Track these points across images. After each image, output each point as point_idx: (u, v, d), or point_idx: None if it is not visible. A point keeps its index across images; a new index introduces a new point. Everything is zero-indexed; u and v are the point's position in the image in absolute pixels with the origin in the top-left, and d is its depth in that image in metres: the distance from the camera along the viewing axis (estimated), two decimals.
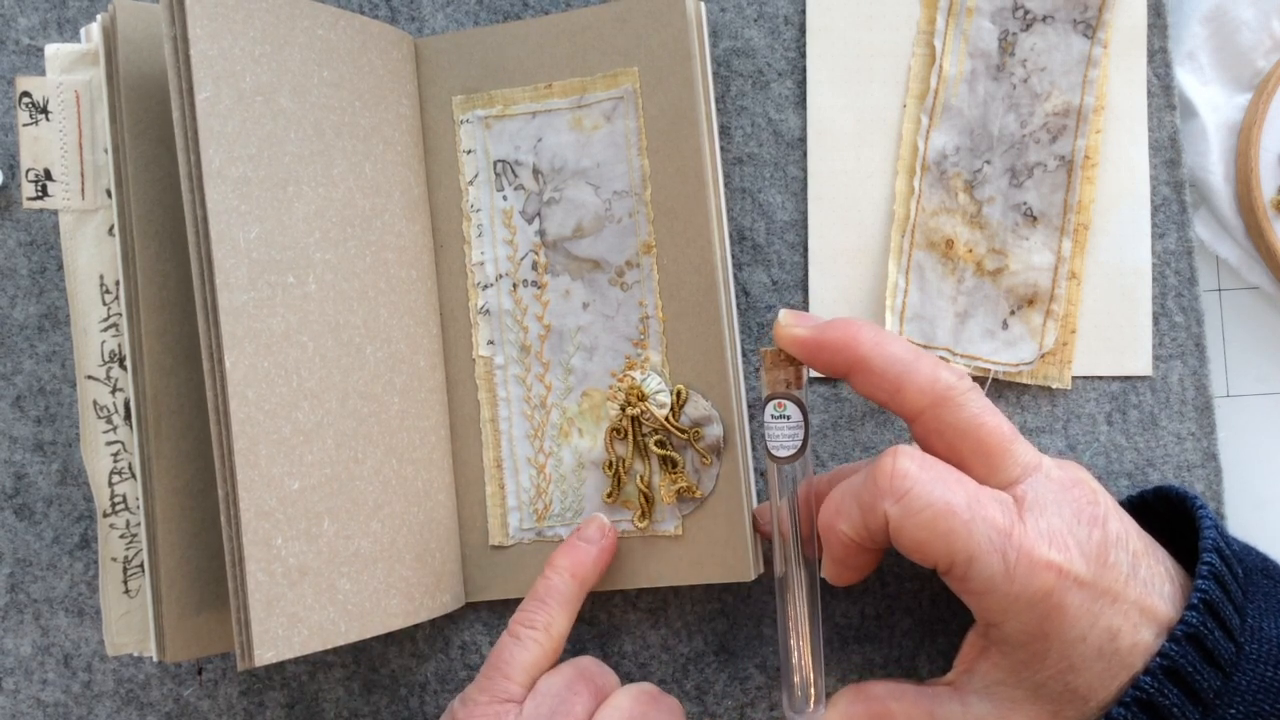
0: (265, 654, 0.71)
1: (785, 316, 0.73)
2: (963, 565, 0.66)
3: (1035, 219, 0.82)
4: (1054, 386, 0.83)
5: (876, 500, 0.68)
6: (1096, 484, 0.70)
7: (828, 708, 0.73)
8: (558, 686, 0.73)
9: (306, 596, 0.73)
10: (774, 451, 0.74)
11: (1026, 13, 0.82)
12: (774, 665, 0.85)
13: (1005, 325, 0.83)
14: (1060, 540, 0.66)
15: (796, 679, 0.74)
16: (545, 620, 0.75)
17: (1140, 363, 0.83)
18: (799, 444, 0.73)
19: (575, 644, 0.85)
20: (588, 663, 0.76)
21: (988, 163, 0.83)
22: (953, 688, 0.71)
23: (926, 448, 0.71)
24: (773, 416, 0.73)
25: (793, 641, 0.74)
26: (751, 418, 0.84)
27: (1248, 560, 0.73)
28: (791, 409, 0.73)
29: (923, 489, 0.66)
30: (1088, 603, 0.66)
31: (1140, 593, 0.67)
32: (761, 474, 0.84)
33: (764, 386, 0.74)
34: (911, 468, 0.67)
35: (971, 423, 0.68)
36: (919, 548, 0.67)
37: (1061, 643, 0.66)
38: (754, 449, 0.83)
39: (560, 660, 0.77)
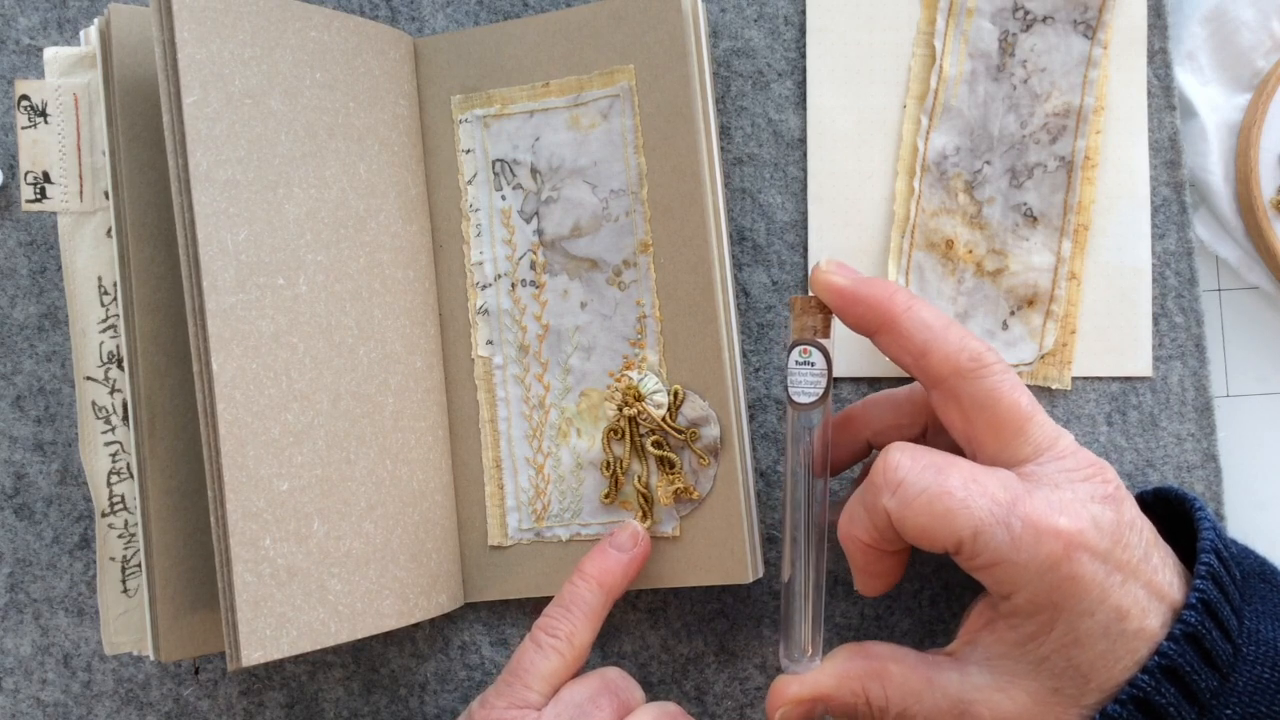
0: (253, 654, 0.71)
1: (828, 264, 0.74)
2: (969, 542, 0.66)
3: (1035, 219, 0.82)
4: (1054, 387, 0.83)
5: (876, 498, 0.69)
6: (1115, 473, 0.70)
7: (825, 660, 0.74)
8: (581, 697, 0.73)
9: (296, 597, 0.73)
10: (795, 398, 0.74)
11: (1026, 13, 0.82)
12: (773, 666, 0.85)
13: (1005, 326, 0.83)
14: (1072, 511, 0.66)
15: (795, 630, 0.75)
16: (568, 630, 0.75)
17: (1140, 363, 0.83)
18: (821, 391, 0.74)
19: None
20: (614, 675, 0.76)
21: (988, 163, 0.83)
22: (953, 658, 0.72)
23: (945, 418, 0.72)
24: (796, 362, 0.74)
25: (796, 589, 0.75)
26: (751, 418, 0.84)
27: (1246, 563, 0.73)
28: (816, 356, 0.74)
29: (916, 476, 0.67)
30: (1101, 575, 0.66)
31: (1152, 577, 0.67)
32: (761, 474, 0.84)
33: (791, 333, 0.75)
34: (904, 459, 0.68)
35: (989, 396, 0.69)
36: (924, 534, 0.67)
37: (1070, 615, 0.66)
38: (752, 450, 0.83)
39: (584, 668, 0.76)
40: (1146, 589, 0.67)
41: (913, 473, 0.68)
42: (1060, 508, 0.66)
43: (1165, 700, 0.65)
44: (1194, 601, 0.67)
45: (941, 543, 0.67)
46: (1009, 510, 0.66)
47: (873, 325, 0.72)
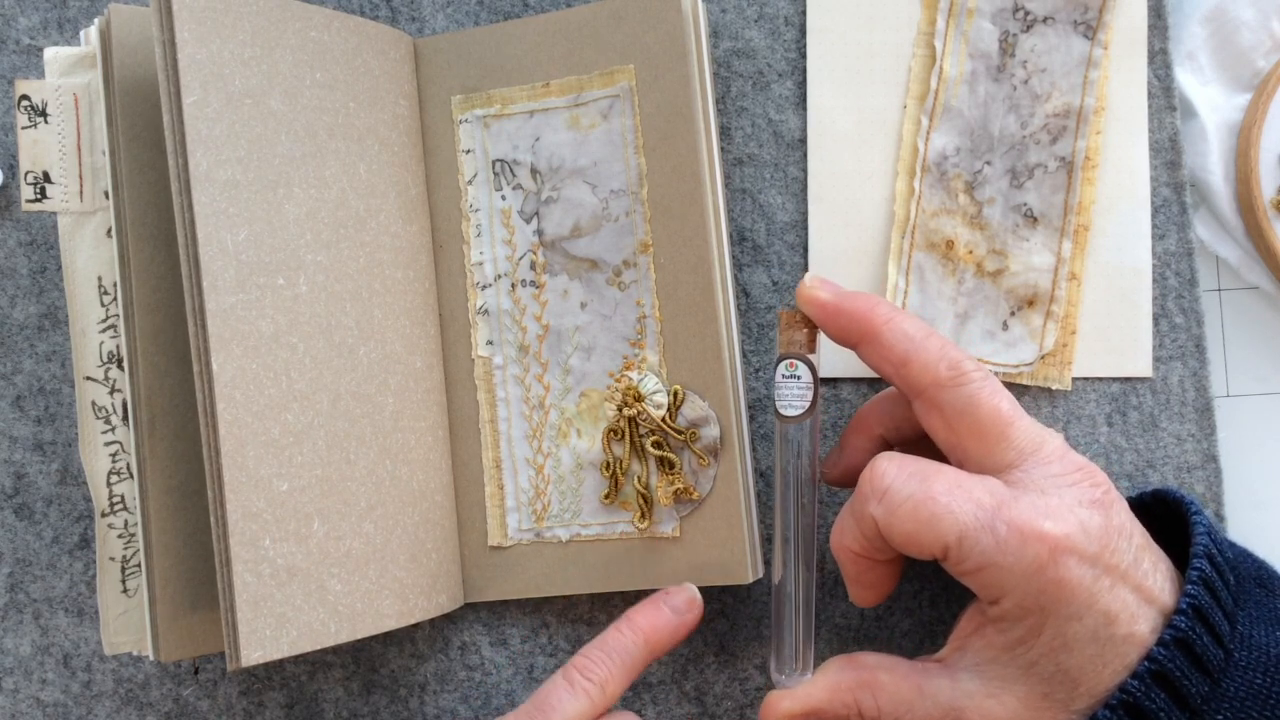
0: (253, 654, 0.71)
1: (811, 279, 0.75)
2: (955, 547, 0.67)
3: (1035, 220, 0.82)
4: (1054, 388, 0.83)
5: (864, 506, 0.70)
6: (1105, 477, 0.70)
7: (817, 673, 0.74)
8: None
9: (295, 597, 0.73)
10: (782, 410, 0.75)
11: (1027, 14, 0.82)
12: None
13: (1005, 326, 0.83)
14: (1058, 515, 0.67)
15: (786, 644, 0.76)
16: (604, 676, 0.74)
17: (1140, 364, 0.83)
18: (808, 404, 0.75)
19: (573, 646, 0.85)
20: None
21: (988, 164, 0.83)
22: (943, 664, 0.72)
23: (928, 427, 0.72)
24: (783, 376, 0.75)
25: (787, 603, 0.76)
26: (751, 419, 0.84)
27: (1242, 568, 0.73)
28: (802, 369, 0.75)
29: (901, 483, 0.68)
30: (1088, 579, 0.66)
31: (1142, 581, 0.68)
32: (761, 475, 0.84)
33: (777, 346, 0.76)
34: (890, 468, 0.69)
35: (968, 403, 0.70)
36: (910, 539, 0.68)
37: (1057, 619, 0.67)
38: (752, 450, 0.83)
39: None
40: (1136, 593, 0.67)
41: (898, 480, 0.68)
42: (1046, 512, 0.67)
43: (1155, 705, 0.66)
44: (1184, 607, 0.67)
45: (928, 548, 0.68)
46: (994, 515, 0.66)
47: (855, 337, 0.73)
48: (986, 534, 0.66)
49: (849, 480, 0.79)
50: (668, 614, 0.77)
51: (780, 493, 0.75)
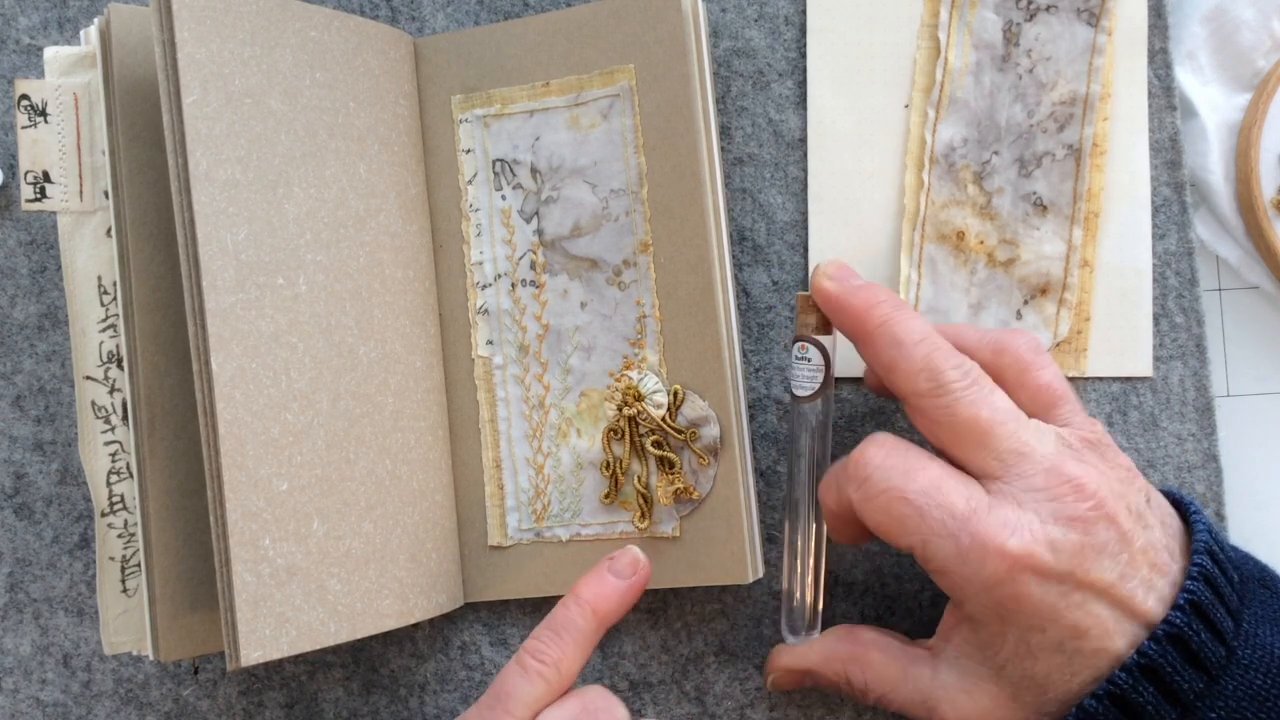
0: (252, 654, 0.71)
1: (827, 266, 0.75)
2: (919, 548, 0.69)
3: (1045, 208, 0.82)
4: (1070, 375, 0.83)
5: (844, 484, 0.71)
6: (1105, 489, 0.69)
7: (819, 639, 0.77)
8: None
9: (295, 597, 0.73)
10: (794, 391, 0.77)
11: (1030, 2, 0.82)
12: None
13: (1019, 315, 0.83)
14: (1025, 532, 0.67)
15: (797, 602, 0.78)
16: (556, 656, 0.72)
17: (1141, 364, 0.83)
18: (817, 386, 0.76)
19: None
20: (594, 695, 0.73)
21: (996, 154, 0.83)
22: (930, 652, 0.74)
23: (917, 427, 0.73)
24: (796, 358, 0.77)
25: (799, 565, 0.78)
26: (751, 418, 0.84)
27: (1245, 568, 0.73)
28: (813, 352, 0.76)
29: (880, 476, 0.69)
30: (1052, 595, 0.67)
31: (1127, 596, 0.67)
32: (761, 474, 0.84)
33: (796, 328, 0.77)
34: (876, 456, 0.70)
35: (945, 413, 0.70)
36: (880, 529, 0.70)
37: (1019, 629, 0.68)
38: (752, 450, 0.83)
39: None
40: (1116, 608, 0.67)
41: (879, 471, 0.70)
42: (1014, 528, 0.67)
43: (1142, 699, 0.66)
44: (1182, 603, 0.67)
45: (896, 541, 0.70)
46: (962, 524, 0.67)
47: (852, 334, 0.74)
48: (950, 542, 0.67)
49: (883, 391, 0.80)
50: (613, 581, 0.75)
51: (790, 465, 0.78)
